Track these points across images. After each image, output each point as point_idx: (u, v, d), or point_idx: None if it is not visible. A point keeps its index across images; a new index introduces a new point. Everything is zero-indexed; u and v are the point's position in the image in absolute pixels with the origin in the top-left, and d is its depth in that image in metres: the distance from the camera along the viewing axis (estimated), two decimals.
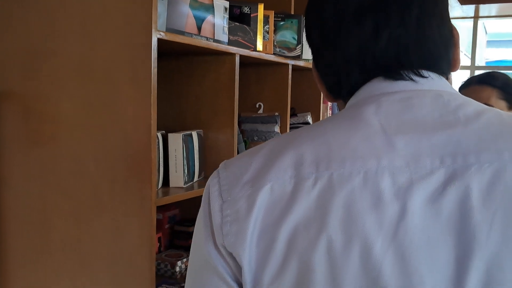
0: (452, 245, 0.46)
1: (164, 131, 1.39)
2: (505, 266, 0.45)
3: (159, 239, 1.85)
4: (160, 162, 1.33)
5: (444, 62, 0.57)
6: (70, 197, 1.27)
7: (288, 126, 1.83)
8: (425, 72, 0.55)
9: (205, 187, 0.57)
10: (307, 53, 1.86)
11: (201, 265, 0.55)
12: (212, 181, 0.56)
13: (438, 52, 0.57)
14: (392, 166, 0.49)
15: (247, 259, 0.50)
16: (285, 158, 0.52)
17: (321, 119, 2.20)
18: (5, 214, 1.39)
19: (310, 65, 1.96)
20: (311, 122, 2.13)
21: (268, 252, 0.49)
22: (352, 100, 0.58)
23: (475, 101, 0.55)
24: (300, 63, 1.87)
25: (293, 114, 2.14)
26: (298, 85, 2.08)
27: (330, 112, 2.54)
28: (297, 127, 2.11)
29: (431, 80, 0.55)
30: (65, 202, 1.28)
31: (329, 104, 2.50)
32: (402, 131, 0.51)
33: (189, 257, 0.59)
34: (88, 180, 1.24)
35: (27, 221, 1.35)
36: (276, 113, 1.81)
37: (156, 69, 1.15)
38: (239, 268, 0.51)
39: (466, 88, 1.42)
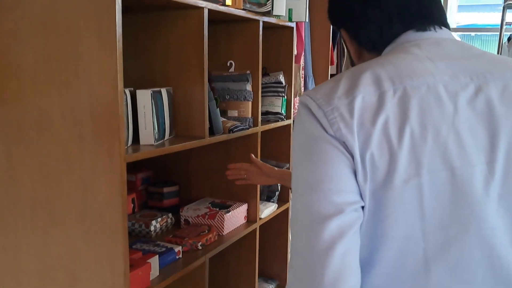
0: (485, 128, 0.72)
1: (132, 88, 1.36)
2: None
3: (132, 200, 1.85)
4: (129, 119, 1.31)
5: (446, 20, 0.86)
6: (37, 155, 1.25)
7: (260, 84, 1.81)
8: (441, 26, 0.83)
9: (299, 108, 0.76)
10: (278, 9, 1.83)
11: (313, 142, 0.73)
12: (306, 101, 0.75)
13: (444, 13, 0.86)
14: (443, 80, 0.74)
15: (356, 143, 0.70)
16: (366, 78, 0.73)
17: (293, 79, 2.19)
18: None
19: (281, 21, 1.94)
20: (283, 82, 2.12)
21: (368, 140, 0.70)
22: (390, 47, 0.84)
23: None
24: (272, 20, 1.84)
25: (265, 74, 2.12)
26: (269, 44, 2.05)
27: (303, 72, 2.54)
28: (270, 87, 2.10)
29: (446, 31, 0.84)
30: (33, 159, 1.26)
31: (302, 64, 2.49)
32: (441, 59, 0.76)
33: (296, 148, 0.76)
34: (56, 137, 1.21)
35: None
36: (248, 71, 1.79)
37: (121, 21, 1.11)
38: (347, 147, 0.71)
39: None
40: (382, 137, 0.70)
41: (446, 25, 0.85)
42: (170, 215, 1.77)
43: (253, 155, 1.64)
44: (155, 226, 1.69)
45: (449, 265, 0.73)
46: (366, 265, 0.74)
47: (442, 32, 0.83)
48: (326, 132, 0.72)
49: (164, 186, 1.91)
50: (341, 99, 0.72)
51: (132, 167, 2.02)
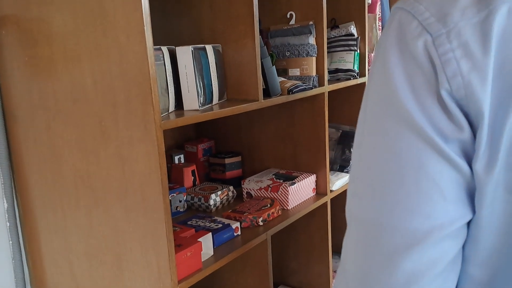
0: None
1: (173, 46, 1.20)
2: None
3: (193, 172, 1.73)
4: (169, 81, 1.15)
5: None
6: (74, 126, 1.14)
7: (325, 36, 1.57)
8: None
9: (390, 28, 0.45)
10: None
11: (398, 129, 0.43)
12: (402, 15, 0.44)
13: None
14: None
15: (488, 99, 0.40)
16: None
17: (368, 31, 1.91)
18: (18, 149, 1.30)
19: None
20: (355, 34, 1.86)
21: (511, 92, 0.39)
22: None
23: None
24: None
25: (334, 26, 1.87)
26: None
27: (380, 23, 2.23)
28: (340, 41, 1.85)
29: None
30: (71, 132, 1.15)
31: (378, 13, 2.18)
32: None
33: (370, 105, 0.47)
34: (90, 107, 1.09)
35: (38, 155, 1.25)
36: (310, 22, 1.55)
37: None
38: (466, 109, 0.41)
39: None
40: None
41: None
42: (231, 188, 1.63)
43: None
44: (214, 200, 1.55)
45: None
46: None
47: None
48: (437, 80, 0.41)
49: (225, 157, 1.76)
50: (466, 14, 0.41)
51: (194, 138, 1.90)
